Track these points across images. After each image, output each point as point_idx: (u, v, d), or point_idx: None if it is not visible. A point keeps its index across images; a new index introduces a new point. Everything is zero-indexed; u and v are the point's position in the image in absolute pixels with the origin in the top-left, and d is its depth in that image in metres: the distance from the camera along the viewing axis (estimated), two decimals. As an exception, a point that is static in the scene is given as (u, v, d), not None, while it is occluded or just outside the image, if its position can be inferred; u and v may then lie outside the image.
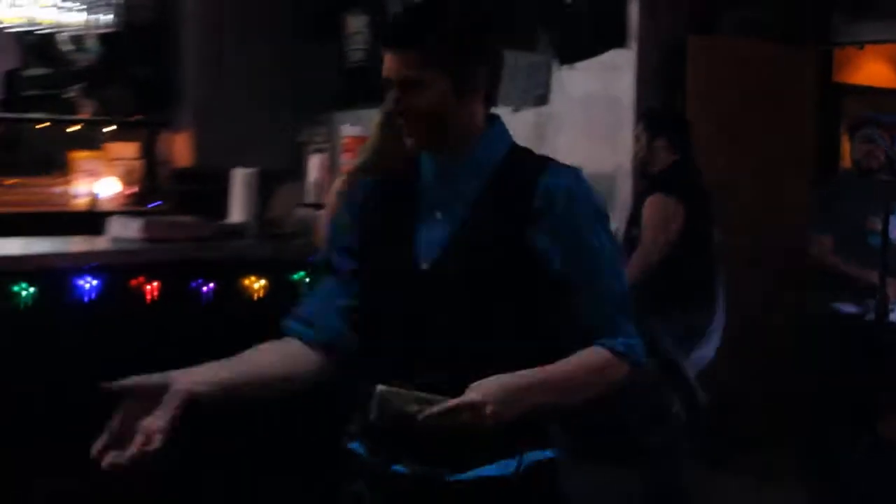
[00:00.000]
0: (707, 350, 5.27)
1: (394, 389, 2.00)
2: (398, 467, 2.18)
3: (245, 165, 5.79)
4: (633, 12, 6.17)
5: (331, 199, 4.78)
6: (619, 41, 6.20)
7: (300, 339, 2.23)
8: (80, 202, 7.22)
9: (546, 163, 2.17)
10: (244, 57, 7.54)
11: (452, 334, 2.10)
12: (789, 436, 6.11)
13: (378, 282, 2.19)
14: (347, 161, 6.15)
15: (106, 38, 7.22)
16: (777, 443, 6.15)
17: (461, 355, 2.09)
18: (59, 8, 6.66)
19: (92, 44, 7.45)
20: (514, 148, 2.22)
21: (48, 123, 7.52)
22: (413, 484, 2.18)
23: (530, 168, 2.15)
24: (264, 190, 5.80)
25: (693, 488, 5.25)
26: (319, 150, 6.88)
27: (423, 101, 2.08)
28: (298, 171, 6.97)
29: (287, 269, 4.77)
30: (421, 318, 2.13)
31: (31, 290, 4.68)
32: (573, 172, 2.18)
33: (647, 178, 5.44)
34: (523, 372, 2.05)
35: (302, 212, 5.82)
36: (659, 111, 5.75)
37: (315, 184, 6.31)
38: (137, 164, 7.47)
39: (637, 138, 5.43)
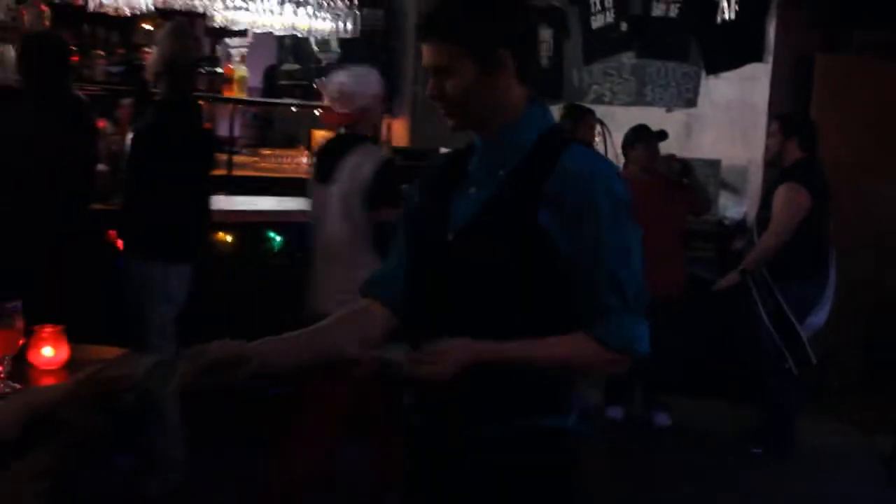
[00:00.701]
0: (819, 318, 5.65)
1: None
2: (416, 418, 2.23)
3: (450, 147, 6.67)
4: (771, 32, 6.67)
5: None
6: (757, 56, 6.76)
7: (373, 297, 2.29)
8: (318, 171, 8.02)
9: (568, 147, 2.11)
10: None
11: (466, 303, 2.09)
12: (880, 392, 6.44)
13: (416, 250, 2.20)
14: None
15: (345, 42, 7.81)
16: (870, 395, 6.49)
17: (473, 322, 2.07)
18: (312, 17, 7.11)
19: (334, 45, 8.17)
20: (551, 130, 2.17)
21: (296, 108, 8.18)
22: (427, 436, 2.22)
23: (553, 151, 2.09)
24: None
25: (797, 430, 5.74)
26: None
27: (453, 85, 2.08)
28: None
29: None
30: (442, 285, 2.14)
31: (280, 238, 5.62)
32: (595, 159, 2.15)
33: (778, 171, 5.77)
34: (508, 346, 2.04)
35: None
36: (792, 116, 6.02)
37: None
38: (364, 141, 8.12)
39: (772, 137, 5.74)
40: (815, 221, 5.53)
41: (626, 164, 6.21)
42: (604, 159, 2.17)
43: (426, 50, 2.13)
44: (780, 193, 5.53)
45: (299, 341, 2.20)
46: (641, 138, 6.10)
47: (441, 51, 2.09)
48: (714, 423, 6.27)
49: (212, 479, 4.79)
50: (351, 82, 4.27)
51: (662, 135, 6.17)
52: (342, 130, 4.35)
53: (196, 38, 4.95)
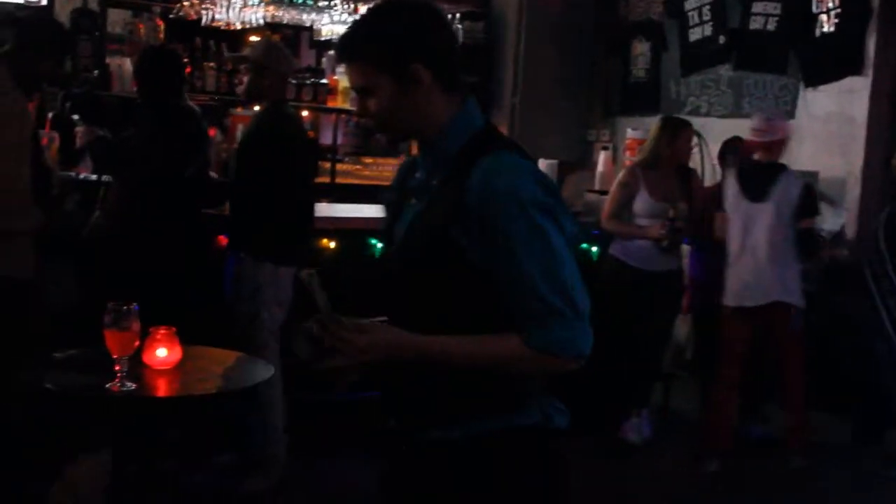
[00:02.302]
0: None
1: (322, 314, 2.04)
2: (390, 422, 2.21)
3: (546, 157, 6.45)
4: (870, 45, 6.50)
5: (614, 187, 5.73)
6: (856, 69, 6.56)
7: None
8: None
9: (483, 155, 2.04)
10: (548, 69, 8.20)
11: (402, 315, 2.07)
12: None
13: (378, 259, 2.28)
14: (629, 158, 6.76)
15: None
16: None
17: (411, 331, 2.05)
18: None
19: None
20: (476, 134, 2.11)
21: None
22: (391, 439, 2.21)
23: (469, 160, 2.04)
24: (560, 176, 6.54)
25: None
26: (605, 148, 7.30)
27: (374, 103, 2.06)
28: (586, 163, 7.64)
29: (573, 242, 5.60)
30: (384, 296, 2.14)
31: (381, 245, 5.91)
32: (506, 167, 2.03)
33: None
34: (429, 339, 2.03)
35: (589, 196, 6.53)
36: None
37: (601, 175, 6.71)
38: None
39: None
40: None
41: (724, 175, 6.14)
42: (517, 164, 2.05)
43: (346, 71, 2.13)
44: None
45: None
46: (739, 150, 6.05)
47: (356, 71, 2.09)
48: (817, 433, 6.12)
49: (311, 482, 4.83)
50: (776, 118, 5.56)
51: None
52: (755, 156, 5.50)
53: (287, 50, 5.04)
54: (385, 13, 2.11)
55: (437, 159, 2.11)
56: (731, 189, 5.55)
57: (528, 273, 2.00)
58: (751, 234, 5.40)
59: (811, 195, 5.52)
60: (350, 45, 2.10)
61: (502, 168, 2.03)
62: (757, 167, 5.53)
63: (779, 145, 5.50)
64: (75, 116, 4.88)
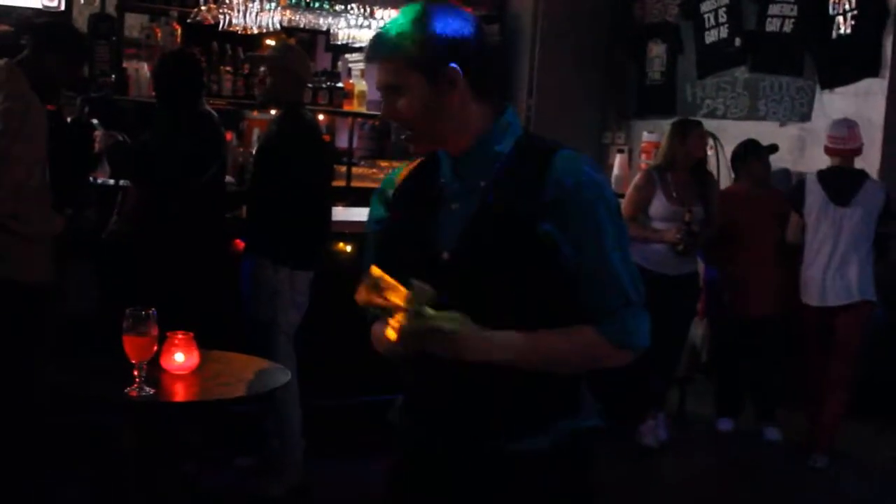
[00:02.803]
0: None
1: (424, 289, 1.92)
2: (432, 438, 2.13)
3: None
4: (888, 47, 6.48)
5: (630, 190, 5.71)
6: (873, 71, 6.56)
7: None
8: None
9: (554, 152, 2.04)
10: (564, 72, 8.17)
11: (473, 319, 1.96)
12: None
13: (403, 271, 1.98)
14: (644, 161, 6.90)
15: None
16: None
17: None
18: None
19: None
20: (522, 138, 2.10)
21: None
22: (445, 456, 2.12)
23: (539, 158, 2.02)
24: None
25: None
26: (621, 151, 7.39)
27: (405, 103, 2.03)
28: (602, 166, 7.47)
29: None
30: (444, 305, 1.96)
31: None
32: (584, 164, 2.04)
33: None
34: (514, 334, 1.99)
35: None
36: None
37: (617, 178, 6.76)
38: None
39: None
40: None
41: (736, 179, 6.14)
42: (591, 163, 2.08)
43: (376, 70, 2.08)
44: None
45: None
46: (752, 153, 6.06)
47: (388, 69, 2.05)
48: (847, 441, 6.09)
49: (330, 485, 4.83)
50: (854, 126, 5.80)
51: (773, 148, 6.09)
52: (833, 162, 5.78)
53: (305, 53, 5.05)
54: (422, 14, 2.06)
55: (482, 161, 2.06)
56: (816, 195, 5.71)
57: (614, 266, 2.04)
58: (838, 236, 5.66)
59: (890, 200, 5.77)
60: (383, 43, 2.06)
61: (581, 164, 2.04)
62: (839, 173, 5.77)
63: (857, 152, 5.80)
64: (94, 121, 4.90)
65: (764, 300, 5.92)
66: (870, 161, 6.52)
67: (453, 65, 2.00)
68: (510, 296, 2.02)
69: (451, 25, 2.04)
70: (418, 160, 2.20)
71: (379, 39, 2.09)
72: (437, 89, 2.01)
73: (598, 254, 2.02)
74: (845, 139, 5.75)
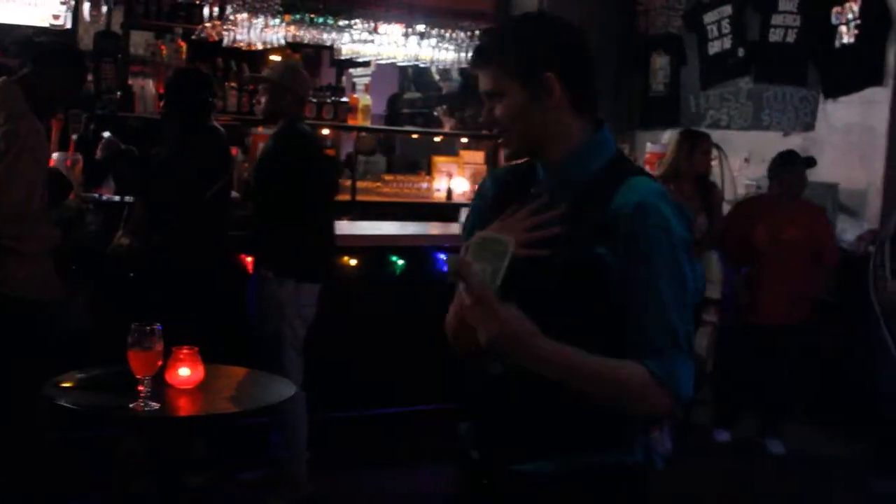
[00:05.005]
0: None
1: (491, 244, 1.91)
2: (474, 453, 2.12)
3: None
4: (891, 55, 6.48)
5: None
6: (877, 80, 6.55)
7: None
8: (439, 195, 7.86)
9: (627, 179, 2.01)
10: None
11: None
12: None
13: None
14: (648, 171, 7.12)
15: (466, 71, 7.68)
16: None
17: None
18: (434, 48, 7.26)
19: (455, 74, 8.30)
20: (612, 161, 2.08)
21: (417, 135, 8.40)
22: (483, 470, 2.10)
23: (614, 182, 2.01)
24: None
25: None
26: None
27: (502, 109, 2.03)
28: None
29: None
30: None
31: (402, 262, 5.69)
32: (652, 193, 2.00)
33: None
34: (557, 345, 1.91)
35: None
36: None
37: None
38: (483, 167, 7.97)
39: None
40: None
41: (770, 188, 6.12)
42: (662, 193, 2.02)
43: (479, 76, 2.09)
44: None
45: None
46: (787, 163, 6.02)
47: (488, 75, 2.05)
48: (827, 449, 6.09)
49: (334, 498, 4.83)
50: None
51: (811, 161, 6.09)
52: None
53: (304, 71, 5.07)
54: (526, 22, 2.11)
55: (571, 178, 2.05)
56: None
57: (663, 300, 1.96)
58: None
59: None
60: (486, 49, 2.08)
61: (650, 194, 1.99)
62: None
63: None
64: (106, 133, 4.93)
65: (782, 310, 5.89)
66: (874, 169, 6.60)
67: (550, 72, 2.00)
68: (556, 314, 1.95)
69: (550, 34, 2.06)
70: (520, 161, 2.17)
71: (479, 47, 2.12)
72: (534, 96, 2.01)
73: (649, 284, 1.96)
74: None
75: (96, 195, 5.32)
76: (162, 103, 5.38)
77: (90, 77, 6.05)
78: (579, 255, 1.97)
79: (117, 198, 5.16)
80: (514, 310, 1.87)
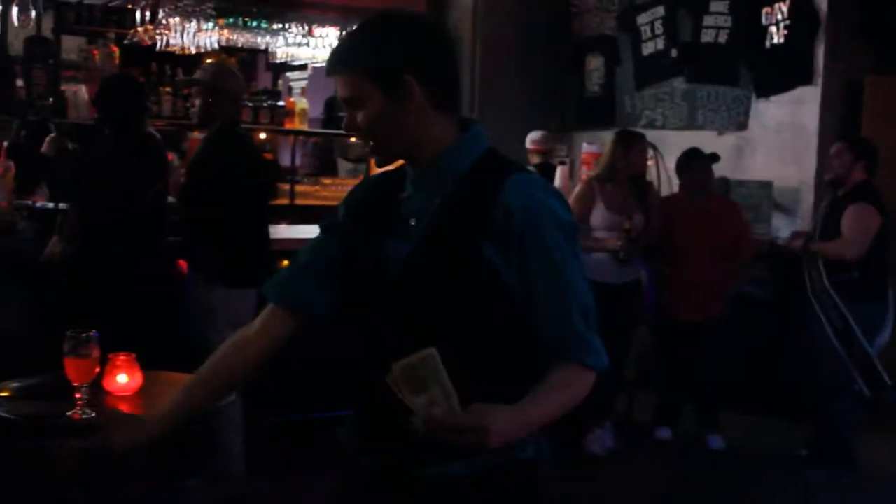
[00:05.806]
0: (883, 339, 5.57)
1: (423, 364, 1.80)
2: (364, 459, 2.08)
3: None
4: (820, 55, 6.66)
5: (571, 202, 5.68)
6: (806, 79, 6.73)
7: (274, 301, 2.26)
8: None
9: (507, 174, 1.99)
10: (504, 86, 8.20)
11: (419, 339, 1.85)
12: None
13: (356, 283, 2.06)
14: (585, 172, 6.86)
15: None
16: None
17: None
18: None
19: None
20: (483, 157, 2.04)
21: (354, 138, 8.72)
22: (376, 477, 2.07)
23: (490, 181, 1.98)
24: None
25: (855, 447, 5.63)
26: (562, 163, 7.39)
27: (363, 115, 1.97)
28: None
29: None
30: (391, 321, 2.01)
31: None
32: (536, 187, 2.00)
33: (833, 192, 5.65)
34: (525, 406, 1.90)
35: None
36: (860, 139, 5.87)
37: (558, 189, 7.02)
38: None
39: (838, 157, 5.56)
40: (881, 243, 5.50)
41: (680, 187, 6.21)
42: (544, 185, 2.04)
43: (337, 83, 2.01)
44: (853, 213, 5.49)
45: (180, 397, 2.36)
46: (693, 161, 6.12)
47: (346, 81, 1.98)
48: (768, 441, 6.19)
49: (268, 498, 4.82)
50: None
51: (715, 157, 6.18)
52: None
53: (238, 72, 5.05)
54: (379, 24, 2.01)
55: (443, 177, 2.01)
56: None
57: (574, 288, 1.98)
58: None
59: None
60: (340, 55, 2.01)
61: (536, 187, 1.99)
62: None
63: None
64: (50, 124, 4.87)
65: (700, 305, 5.96)
66: (806, 167, 6.75)
67: (409, 75, 1.95)
68: (457, 321, 1.96)
69: (405, 35, 2.00)
70: (387, 169, 2.13)
71: (334, 53, 2.06)
72: (394, 101, 1.96)
73: (553, 276, 1.96)
74: None
75: (29, 202, 5.25)
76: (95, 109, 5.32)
77: (20, 83, 5.98)
78: (468, 257, 1.95)
79: (51, 205, 5.09)
80: (489, 412, 1.83)
